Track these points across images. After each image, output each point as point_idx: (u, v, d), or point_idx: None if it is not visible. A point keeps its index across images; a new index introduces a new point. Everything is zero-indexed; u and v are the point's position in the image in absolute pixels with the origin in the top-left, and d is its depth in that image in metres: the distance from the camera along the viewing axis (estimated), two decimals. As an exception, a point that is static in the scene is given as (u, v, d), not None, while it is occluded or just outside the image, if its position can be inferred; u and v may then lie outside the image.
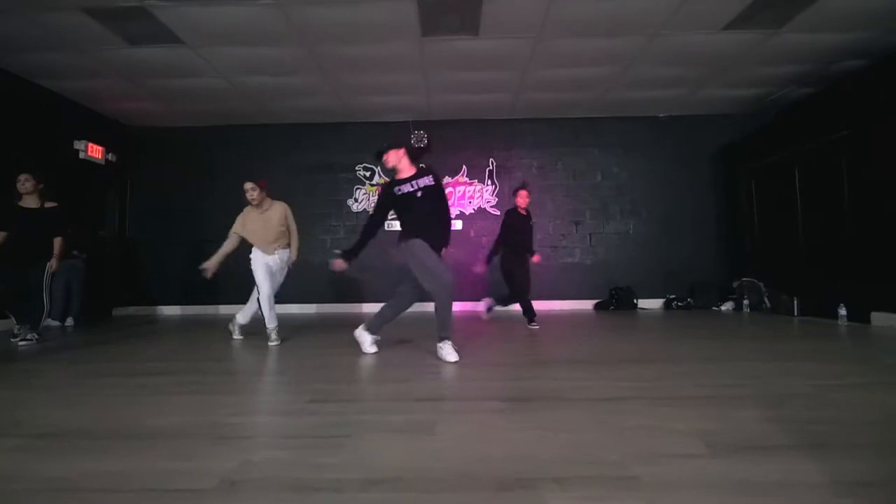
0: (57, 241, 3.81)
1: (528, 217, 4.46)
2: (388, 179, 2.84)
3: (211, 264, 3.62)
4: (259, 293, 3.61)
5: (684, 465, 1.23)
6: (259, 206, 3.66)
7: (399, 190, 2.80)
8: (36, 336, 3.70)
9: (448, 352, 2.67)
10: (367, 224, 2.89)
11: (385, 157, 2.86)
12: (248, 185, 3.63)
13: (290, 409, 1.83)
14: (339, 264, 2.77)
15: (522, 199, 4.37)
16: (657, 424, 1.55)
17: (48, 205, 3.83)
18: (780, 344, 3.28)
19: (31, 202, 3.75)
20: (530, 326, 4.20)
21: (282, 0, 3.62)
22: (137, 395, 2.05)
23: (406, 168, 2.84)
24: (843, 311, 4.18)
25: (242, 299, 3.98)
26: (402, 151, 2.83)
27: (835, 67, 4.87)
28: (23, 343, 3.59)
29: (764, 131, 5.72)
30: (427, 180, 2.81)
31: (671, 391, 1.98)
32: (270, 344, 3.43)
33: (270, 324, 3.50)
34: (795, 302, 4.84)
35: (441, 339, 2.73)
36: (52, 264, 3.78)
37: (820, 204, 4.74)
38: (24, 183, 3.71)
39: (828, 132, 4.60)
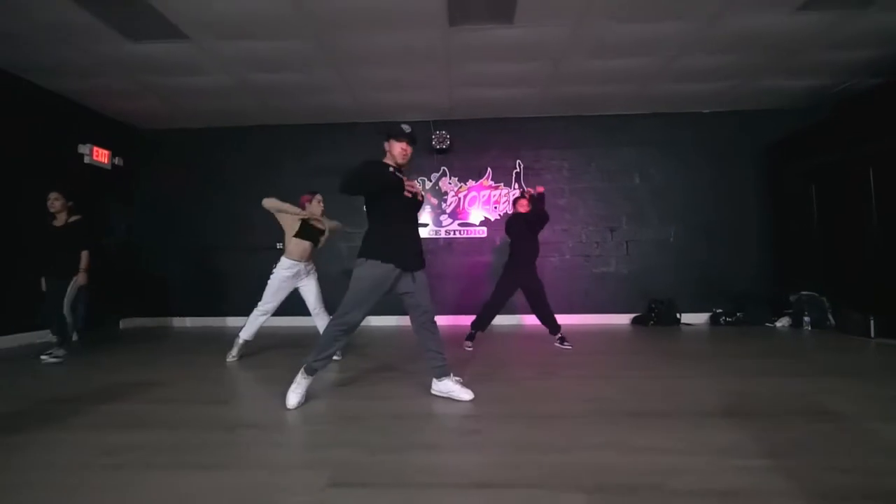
0: (84, 255, 3.78)
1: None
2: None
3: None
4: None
5: None
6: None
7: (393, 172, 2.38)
8: (64, 353, 3.69)
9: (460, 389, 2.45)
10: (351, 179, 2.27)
11: (408, 151, 2.45)
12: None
13: (303, 502, 1.41)
14: None
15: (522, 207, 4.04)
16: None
17: (72, 219, 3.83)
18: (884, 386, 2.73)
19: (60, 220, 3.80)
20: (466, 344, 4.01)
21: (293, -15, 3.21)
22: (91, 465, 1.66)
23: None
24: (936, 336, 3.60)
25: (248, 311, 3.62)
26: None
27: (918, 53, 4.26)
28: (52, 359, 3.60)
29: (824, 126, 5.10)
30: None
31: (799, 478, 1.50)
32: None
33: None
34: (872, 321, 4.25)
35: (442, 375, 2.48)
36: (80, 278, 3.76)
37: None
38: (53, 202, 3.76)
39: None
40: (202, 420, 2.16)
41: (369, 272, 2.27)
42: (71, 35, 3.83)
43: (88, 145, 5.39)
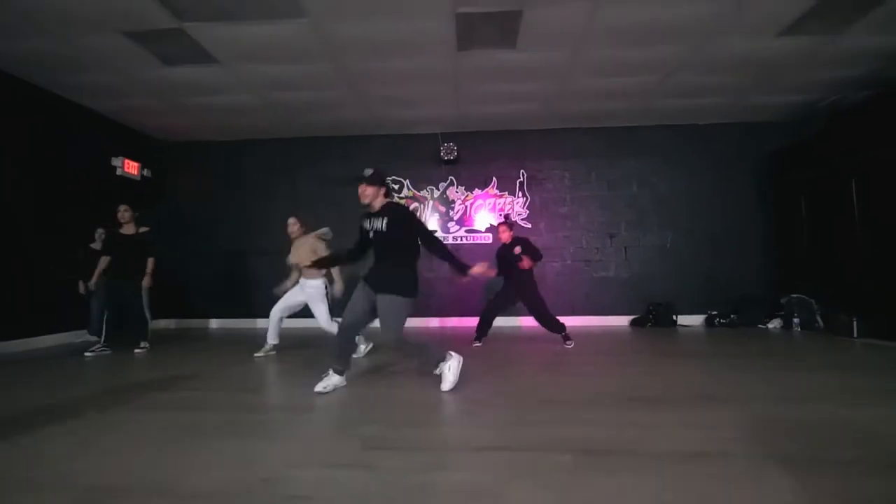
0: (150, 261, 4.30)
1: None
2: (412, 199, 2.71)
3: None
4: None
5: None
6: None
7: (365, 222, 2.72)
8: (147, 345, 4.29)
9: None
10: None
11: (363, 190, 2.60)
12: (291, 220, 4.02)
13: (342, 461, 1.72)
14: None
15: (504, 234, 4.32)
16: (752, 495, 1.38)
17: (141, 230, 4.35)
18: (860, 378, 3.01)
19: (128, 229, 4.27)
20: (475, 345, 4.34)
21: (316, 17, 3.57)
22: (173, 437, 1.97)
23: (378, 205, 2.67)
24: (912, 335, 3.86)
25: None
26: (382, 190, 2.66)
27: (898, 70, 4.55)
28: (138, 351, 4.19)
29: (816, 139, 5.39)
30: (380, 223, 2.62)
31: (762, 445, 1.79)
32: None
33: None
34: (855, 323, 4.51)
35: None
36: (147, 282, 4.29)
37: (882, 216, 4.41)
38: (124, 213, 4.24)
39: (891, 139, 4.28)
40: (239, 404, 2.49)
41: (357, 287, 2.75)
42: (114, 60, 4.22)
43: (120, 158, 5.78)
